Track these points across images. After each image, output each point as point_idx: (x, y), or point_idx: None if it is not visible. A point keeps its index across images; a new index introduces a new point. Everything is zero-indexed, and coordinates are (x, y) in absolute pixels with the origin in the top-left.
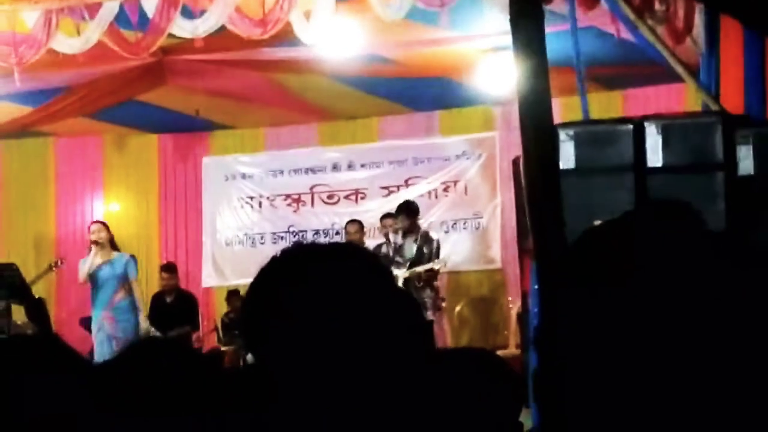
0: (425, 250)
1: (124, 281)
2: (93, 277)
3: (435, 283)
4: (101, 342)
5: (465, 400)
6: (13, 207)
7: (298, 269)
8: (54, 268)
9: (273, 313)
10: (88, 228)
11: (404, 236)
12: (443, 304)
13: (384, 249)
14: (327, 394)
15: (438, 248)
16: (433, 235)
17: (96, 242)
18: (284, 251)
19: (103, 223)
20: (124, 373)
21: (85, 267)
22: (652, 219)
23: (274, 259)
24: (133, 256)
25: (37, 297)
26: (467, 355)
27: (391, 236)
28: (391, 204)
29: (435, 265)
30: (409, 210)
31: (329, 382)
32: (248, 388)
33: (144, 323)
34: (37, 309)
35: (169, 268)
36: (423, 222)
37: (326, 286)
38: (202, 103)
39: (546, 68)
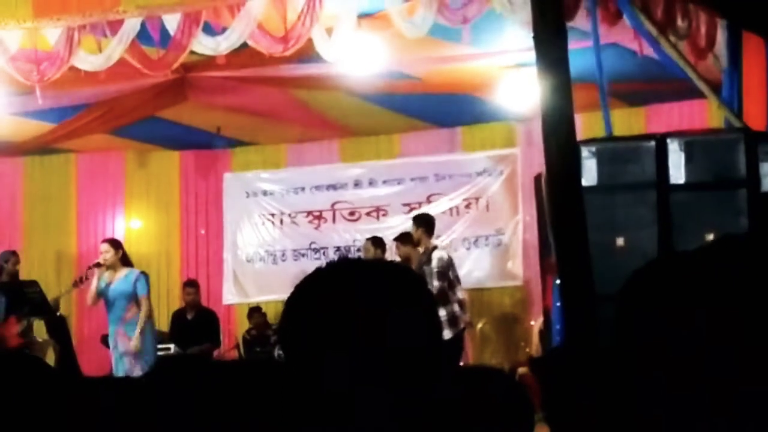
0: (425, 268)
1: (134, 298)
2: (105, 296)
3: (453, 300)
4: (116, 360)
5: (474, 420)
6: (34, 223)
7: (339, 283)
8: (80, 284)
9: (312, 323)
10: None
11: (423, 251)
12: (466, 319)
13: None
14: (343, 405)
15: (442, 268)
16: (438, 253)
17: (99, 264)
18: (330, 264)
19: (112, 242)
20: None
21: (91, 290)
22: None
23: (318, 270)
24: (143, 273)
25: (58, 314)
26: (479, 375)
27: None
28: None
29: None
30: (418, 221)
31: (346, 392)
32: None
33: (135, 341)
34: (58, 326)
35: (192, 284)
36: (445, 238)
37: (363, 301)
38: (224, 120)
39: (569, 85)
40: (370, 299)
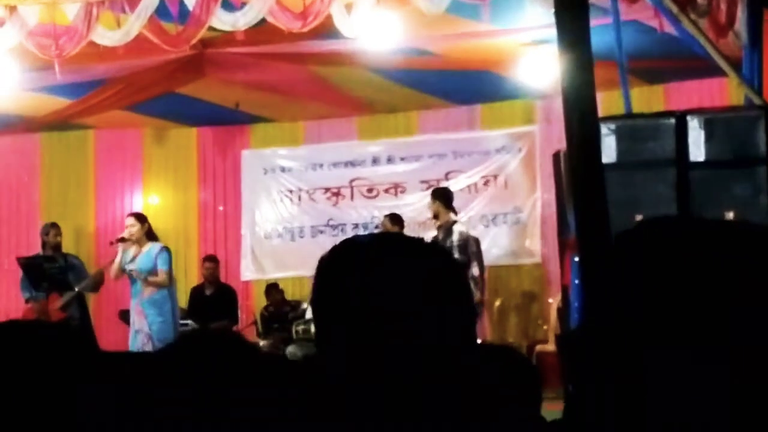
0: (445, 244)
1: (155, 273)
2: (127, 270)
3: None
4: (133, 335)
5: (485, 396)
6: (52, 199)
7: (368, 258)
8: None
9: (345, 298)
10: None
11: (441, 226)
12: (477, 297)
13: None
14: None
15: (463, 242)
16: (459, 227)
17: (123, 239)
18: (363, 237)
19: (137, 216)
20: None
21: (114, 264)
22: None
23: (350, 243)
24: (166, 247)
25: (76, 289)
26: (489, 352)
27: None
28: None
29: None
30: (435, 194)
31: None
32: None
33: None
34: (76, 300)
35: (212, 259)
36: (462, 216)
37: (392, 277)
38: (242, 96)
39: (591, 61)
40: (409, 276)
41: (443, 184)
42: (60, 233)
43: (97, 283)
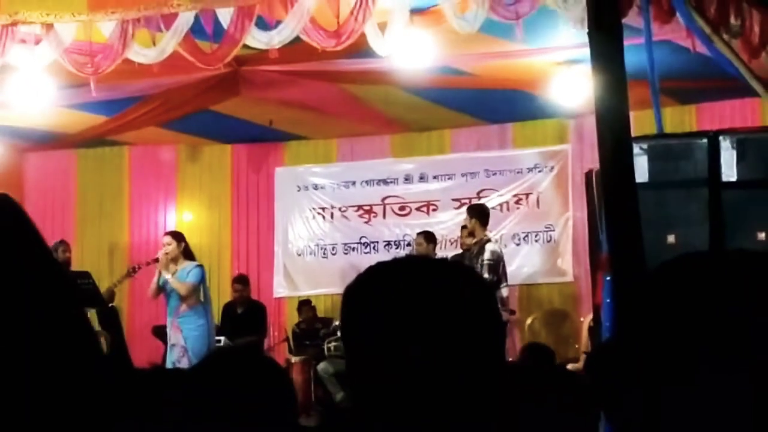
0: (476, 261)
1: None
2: (164, 288)
3: (497, 296)
4: (169, 349)
5: (531, 414)
6: (87, 215)
7: (404, 279)
8: (133, 274)
9: (377, 318)
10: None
11: (476, 242)
12: (505, 317)
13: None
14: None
15: (494, 261)
16: (491, 246)
17: (157, 260)
18: (388, 263)
19: (174, 235)
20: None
21: (152, 283)
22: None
23: (374, 270)
24: (199, 265)
25: (110, 305)
26: (534, 370)
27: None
28: (463, 216)
29: None
30: (472, 211)
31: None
32: None
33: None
34: (110, 317)
35: (241, 280)
36: (494, 234)
37: (429, 300)
38: (276, 114)
39: (624, 81)
40: (436, 298)
41: (475, 203)
42: (69, 250)
43: (108, 300)
